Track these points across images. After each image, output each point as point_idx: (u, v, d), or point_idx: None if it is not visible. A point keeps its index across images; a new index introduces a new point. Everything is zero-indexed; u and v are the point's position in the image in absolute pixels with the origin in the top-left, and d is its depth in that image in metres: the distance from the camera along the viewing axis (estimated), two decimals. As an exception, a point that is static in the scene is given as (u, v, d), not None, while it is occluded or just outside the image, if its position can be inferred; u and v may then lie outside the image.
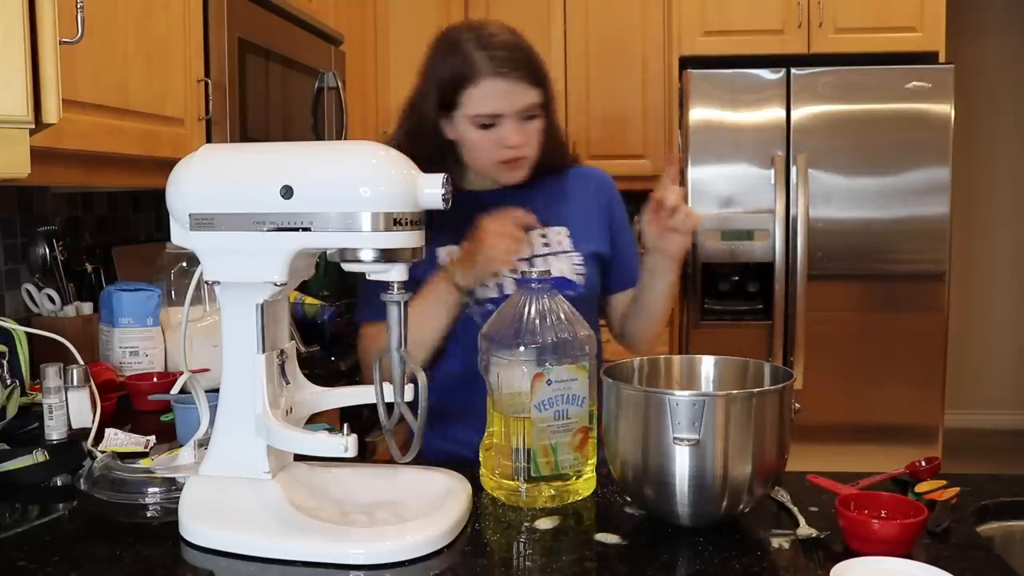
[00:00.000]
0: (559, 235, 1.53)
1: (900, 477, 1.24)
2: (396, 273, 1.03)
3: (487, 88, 1.41)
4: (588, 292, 1.52)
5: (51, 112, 1.15)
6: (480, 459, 1.22)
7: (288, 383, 1.12)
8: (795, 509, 1.11)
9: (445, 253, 1.48)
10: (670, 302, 1.54)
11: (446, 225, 1.42)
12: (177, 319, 1.96)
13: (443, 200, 1.02)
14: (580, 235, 1.54)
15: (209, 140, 2.03)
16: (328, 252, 1.05)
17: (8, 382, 1.58)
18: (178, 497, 1.09)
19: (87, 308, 2.00)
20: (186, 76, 1.95)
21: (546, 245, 1.52)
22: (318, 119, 2.65)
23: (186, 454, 1.21)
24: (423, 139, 1.47)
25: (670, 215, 1.38)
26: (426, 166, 1.36)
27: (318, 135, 2.65)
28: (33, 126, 1.13)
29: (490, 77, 1.41)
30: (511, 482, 1.16)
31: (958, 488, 1.16)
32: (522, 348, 1.15)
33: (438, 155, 1.48)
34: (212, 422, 1.12)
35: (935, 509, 1.08)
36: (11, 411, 1.52)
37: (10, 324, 1.67)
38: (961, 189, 3.92)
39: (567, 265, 1.50)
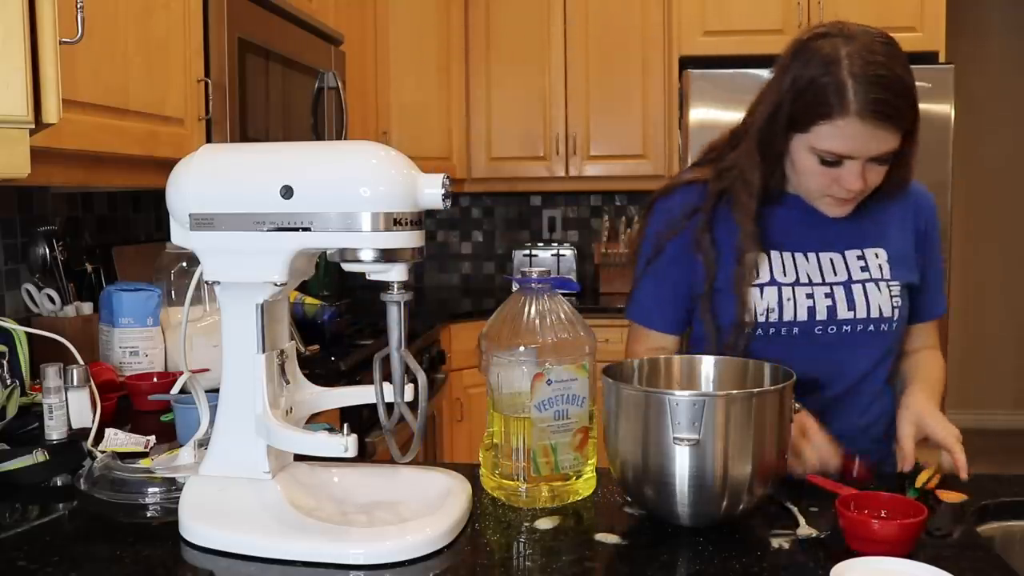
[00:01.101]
0: (878, 258, 1.39)
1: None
2: (396, 273, 1.03)
3: (848, 128, 1.23)
4: (900, 327, 1.40)
5: (51, 112, 1.15)
6: (480, 459, 1.22)
7: (288, 383, 1.12)
8: (795, 509, 1.11)
9: (753, 260, 1.36)
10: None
11: (765, 228, 1.36)
12: (177, 319, 1.96)
13: (443, 200, 1.02)
14: (897, 260, 1.39)
15: (209, 140, 2.03)
16: (328, 252, 1.05)
17: (8, 382, 1.58)
18: (178, 497, 1.09)
19: (87, 308, 2.00)
20: (186, 76, 1.95)
21: (863, 270, 1.38)
22: (318, 119, 2.65)
23: (186, 454, 1.21)
24: (761, 165, 1.35)
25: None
26: (761, 167, 1.36)
27: (318, 135, 2.65)
28: (33, 126, 1.13)
29: (856, 117, 1.22)
30: (511, 482, 1.16)
31: (963, 495, 1.16)
32: (522, 348, 1.15)
33: (774, 160, 1.35)
34: (212, 422, 1.12)
35: (937, 510, 1.08)
36: (11, 411, 1.52)
37: (10, 324, 1.67)
38: (961, 189, 3.92)
39: (885, 297, 1.37)
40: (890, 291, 1.38)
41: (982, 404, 5.04)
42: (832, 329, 1.37)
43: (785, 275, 1.37)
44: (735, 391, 1.13)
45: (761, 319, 1.36)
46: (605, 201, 4.17)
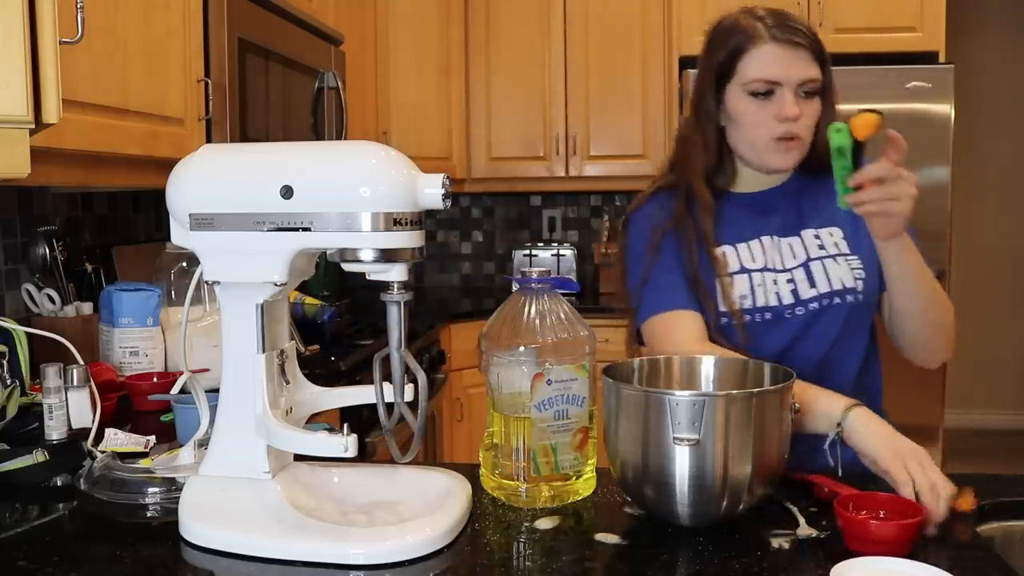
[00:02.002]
0: (832, 236, 1.44)
1: None
2: (396, 273, 1.03)
3: (765, 52, 1.36)
4: (868, 299, 1.42)
5: (51, 112, 1.15)
6: (480, 459, 1.22)
7: (288, 383, 1.12)
8: (795, 509, 1.11)
9: (721, 253, 1.43)
10: (915, 297, 1.36)
11: (720, 226, 1.42)
12: (177, 319, 1.96)
13: (443, 200, 1.02)
14: (856, 235, 1.43)
15: (209, 140, 2.03)
16: (328, 252, 1.05)
17: (8, 382, 1.58)
18: (178, 497, 1.09)
19: (87, 308, 2.00)
20: (186, 76, 1.95)
21: (821, 248, 1.44)
22: (318, 119, 2.65)
23: (186, 454, 1.21)
24: (708, 141, 1.44)
25: (877, 189, 1.23)
26: (704, 171, 1.42)
27: (318, 135, 2.65)
28: (33, 126, 1.13)
29: (769, 42, 1.36)
30: (511, 482, 1.16)
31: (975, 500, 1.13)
32: (522, 348, 1.15)
33: (715, 158, 1.44)
34: (212, 422, 1.12)
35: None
36: (11, 411, 1.52)
37: (10, 324, 1.67)
38: (961, 189, 3.92)
39: (845, 269, 1.41)
40: (849, 264, 1.42)
41: (982, 404, 5.05)
42: (800, 310, 1.41)
43: (754, 261, 1.43)
44: (735, 391, 1.13)
45: (737, 306, 1.40)
46: (605, 201, 4.17)
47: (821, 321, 1.41)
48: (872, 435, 1.16)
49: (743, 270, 1.42)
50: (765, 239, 1.45)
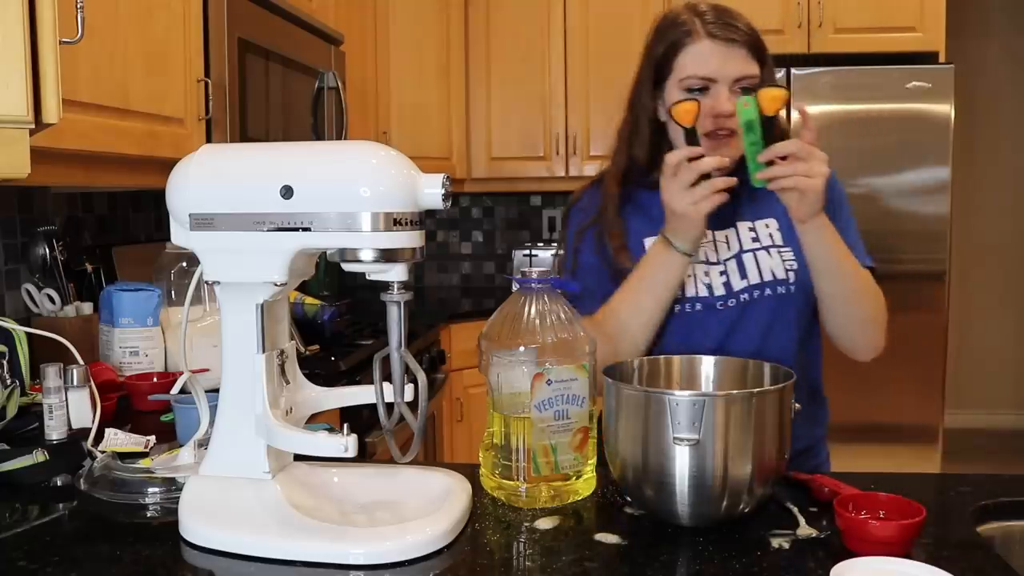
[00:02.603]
0: (768, 228, 1.46)
1: None
2: (396, 273, 1.03)
3: (700, 48, 1.37)
4: (800, 290, 1.42)
5: (51, 112, 1.15)
6: (480, 459, 1.22)
7: (288, 383, 1.12)
8: (795, 509, 1.11)
9: (651, 244, 1.43)
10: (835, 281, 1.36)
11: (651, 220, 1.42)
12: (177, 319, 1.96)
13: (443, 200, 1.02)
14: (791, 227, 1.40)
15: (209, 140, 2.03)
16: (328, 252, 1.05)
17: (8, 382, 1.58)
18: (178, 497, 1.09)
19: (87, 308, 2.00)
20: (186, 76, 1.95)
21: (755, 240, 1.45)
22: (318, 119, 2.65)
23: (186, 454, 1.21)
24: (641, 134, 1.45)
25: (788, 166, 1.25)
26: (643, 166, 1.43)
27: (318, 135, 2.65)
28: (33, 126, 1.13)
29: (705, 38, 1.37)
30: (511, 482, 1.16)
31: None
32: (522, 348, 1.15)
33: (654, 151, 1.44)
34: (212, 422, 1.12)
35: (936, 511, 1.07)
36: (11, 411, 1.52)
37: (10, 324, 1.67)
38: (961, 189, 3.92)
39: (777, 261, 1.43)
40: (781, 256, 1.43)
41: (983, 404, 5.05)
42: (732, 302, 1.42)
43: None
44: (735, 391, 1.13)
45: None
46: (605, 201, 4.17)
47: (752, 312, 1.42)
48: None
49: None
50: (706, 232, 1.44)
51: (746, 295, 1.42)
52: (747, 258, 1.44)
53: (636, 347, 1.39)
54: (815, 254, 1.34)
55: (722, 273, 1.43)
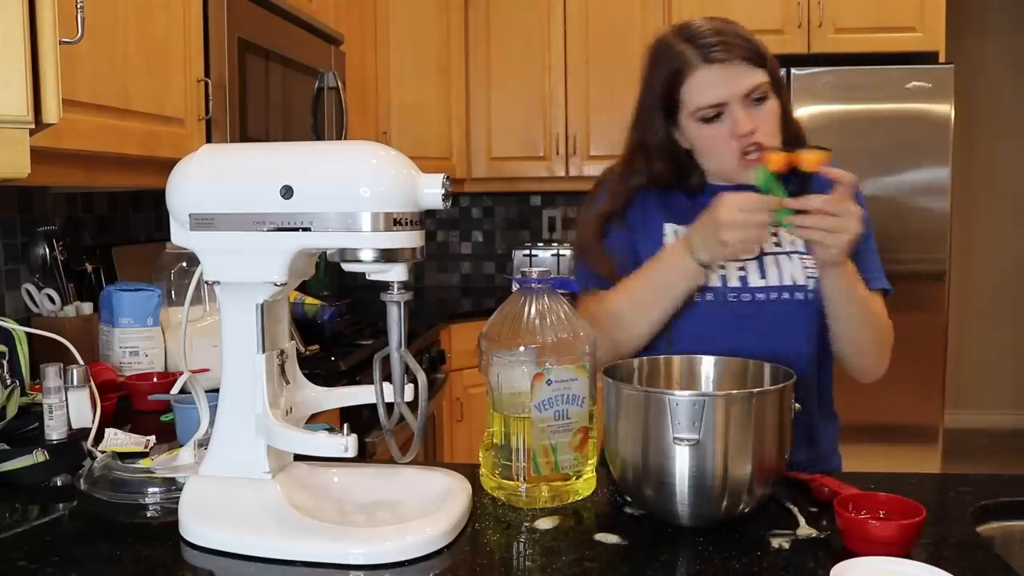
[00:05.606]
0: (790, 235, 1.40)
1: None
2: (396, 273, 1.03)
3: (701, 78, 1.34)
4: (819, 299, 1.38)
5: (51, 112, 1.15)
6: (480, 459, 1.22)
7: (288, 383, 1.12)
8: (795, 509, 1.11)
9: (672, 231, 1.44)
10: (848, 325, 1.37)
11: (684, 213, 1.40)
12: (177, 319, 1.96)
13: (443, 200, 1.02)
14: None
15: (209, 140, 2.03)
16: (328, 252, 1.05)
17: (8, 382, 1.58)
18: (178, 497, 1.09)
19: (87, 308, 2.00)
20: (186, 76, 1.95)
21: (777, 244, 1.43)
22: (318, 119, 2.65)
23: (186, 454, 1.21)
24: (661, 155, 1.43)
25: (819, 218, 1.24)
26: (671, 181, 1.44)
27: (318, 135, 2.65)
28: (33, 126, 1.13)
29: (702, 65, 1.34)
30: (511, 482, 1.16)
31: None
32: (522, 348, 1.15)
33: (677, 167, 1.44)
34: (212, 422, 1.12)
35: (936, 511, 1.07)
36: (11, 411, 1.52)
37: (10, 324, 1.67)
38: (961, 189, 3.92)
39: (798, 268, 1.41)
40: (803, 262, 1.42)
41: (982, 404, 5.05)
42: (746, 296, 1.41)
43: None
44: (735, 391, 1.13)
45: None
46: (605, 201, 4.17)
47: (766, 313, 1.40)
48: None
49: None
50: None
51: (763, 295, 1.41)
52: (768, 260, 1.42)
53: (633, 342, 1.39)
54: (830, 294, 1.34)
55: (740, 269, 1.42)
